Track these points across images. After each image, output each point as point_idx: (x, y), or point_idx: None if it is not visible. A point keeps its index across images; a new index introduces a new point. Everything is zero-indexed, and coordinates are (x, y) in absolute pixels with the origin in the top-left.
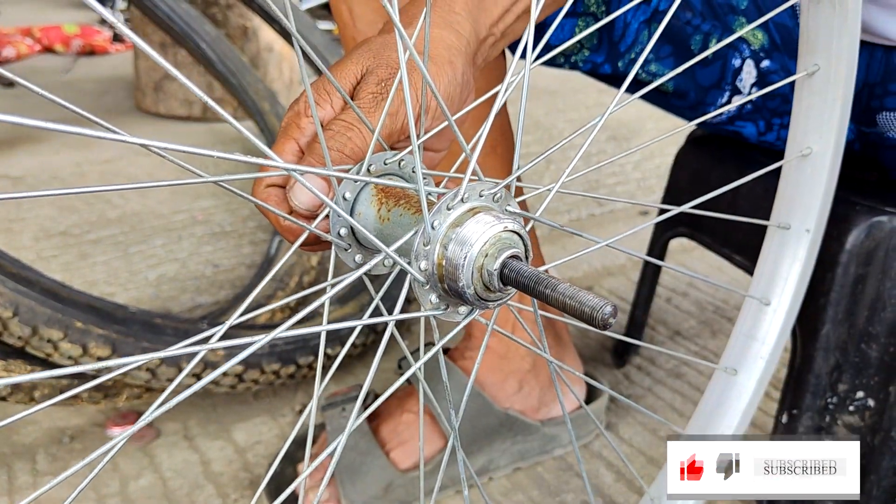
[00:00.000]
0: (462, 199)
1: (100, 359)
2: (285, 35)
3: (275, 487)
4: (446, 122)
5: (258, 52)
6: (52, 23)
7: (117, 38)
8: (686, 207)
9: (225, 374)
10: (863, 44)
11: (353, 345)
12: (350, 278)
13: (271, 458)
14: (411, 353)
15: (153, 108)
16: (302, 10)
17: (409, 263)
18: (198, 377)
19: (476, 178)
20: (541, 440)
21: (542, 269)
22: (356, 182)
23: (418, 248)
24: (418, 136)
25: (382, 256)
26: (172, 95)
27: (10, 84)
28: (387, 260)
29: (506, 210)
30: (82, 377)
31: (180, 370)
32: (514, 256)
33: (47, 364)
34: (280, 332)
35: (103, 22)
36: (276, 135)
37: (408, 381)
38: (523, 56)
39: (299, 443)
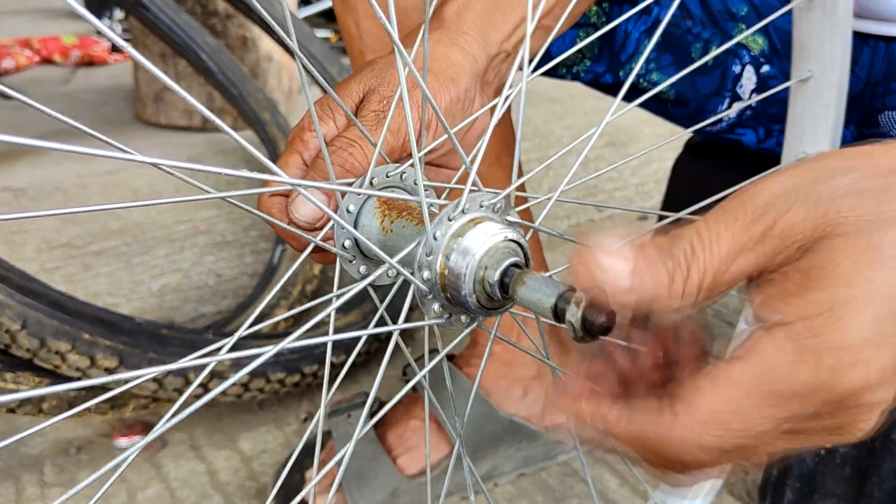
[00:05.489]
0: (463, 210)
1: (107, 370)
2: (285, 45)
3: (283, 495)
4: (445, 136)
5: (258, 62)
6: (51, 34)
7: (116, 48)
8: (684, 213)
9: None
10: (865, 40)
11: (357, 353)
12: (355, 289)
13: (277, 467)
14: (416, 361)
15: (153, 118)
16: (300, 19)
17: (412, 274)
18: (205, 388)
19: (476, 189)
20: (545, 446)
21: (545, 275)
22: (359, 195)
23: (421, 259)
24: (420, 151)
25: (386, 267)
26: (173, 106)
27: (8, 97)
28: (390, 270)
29: (506, 220)
30: (90, 388)
31: (187, 381)
32: (514, 265)
33: (55, 376)
34: (288, 342)
35: (102, 32)
36: (277, 144)
37: (413, 388)
38: (533, 67)
39: (305, 450)
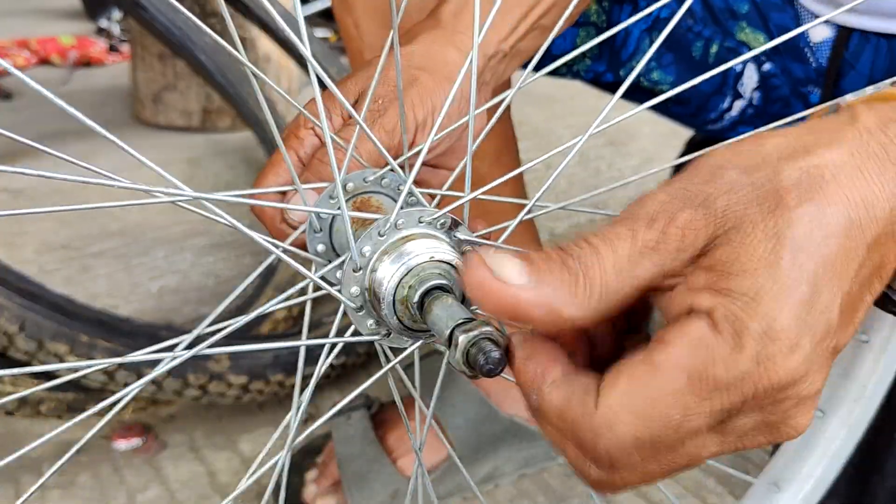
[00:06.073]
0: (395, 226)
1: (106, 372)
2: (283, 45)
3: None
4: (439, 137)
5: (256, 62)
6: (49, 34)
7: (114, 48)
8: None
9: (230, 385)
10: (867, 37)
11: (357, 353)
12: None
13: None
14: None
15: (152, 119)
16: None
17: (339, 290)
18: (203, 389)
19: (463, 194)
20: (546, 446)
21: (458, 302)
22: (332, 201)
23: (348, 274)
24: (418, 155)
25: (307, 282)
26: (171, 106)
27: (7, 96)
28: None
29: (454, 237)
30: (88, 391)
31: (186, 383)
32: (438, 287)
33: (54, 379)
34: (265, 347)
35: (99, 33)
36: (276, 145)
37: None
38: (534, 67)
39: (306, 452)
